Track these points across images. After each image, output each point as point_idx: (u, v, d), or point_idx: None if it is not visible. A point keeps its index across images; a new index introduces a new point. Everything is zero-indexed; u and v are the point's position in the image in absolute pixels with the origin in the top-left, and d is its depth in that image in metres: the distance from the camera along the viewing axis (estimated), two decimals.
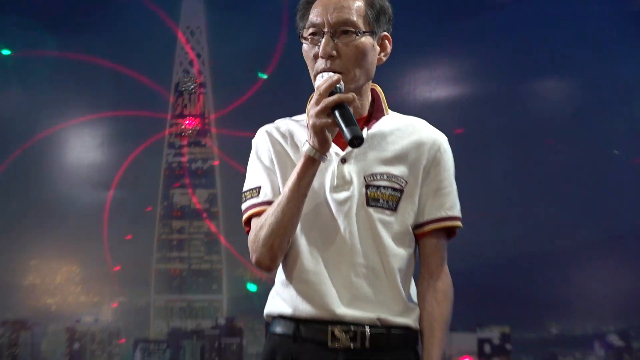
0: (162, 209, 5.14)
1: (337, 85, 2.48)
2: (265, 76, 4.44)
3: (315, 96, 2.44)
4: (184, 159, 5.36)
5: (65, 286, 5.35)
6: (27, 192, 5.54)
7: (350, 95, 2.38)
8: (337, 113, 2.42)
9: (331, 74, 2.49)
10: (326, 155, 1.86)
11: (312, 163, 1.84)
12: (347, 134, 2.31)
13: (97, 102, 5.41)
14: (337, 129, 2.43)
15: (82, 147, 5.30)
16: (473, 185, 5.59)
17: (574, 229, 5.23)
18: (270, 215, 2.62)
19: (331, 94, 2.46)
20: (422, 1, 5.18)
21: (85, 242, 5.35)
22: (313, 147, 1.84)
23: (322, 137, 2.37)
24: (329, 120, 2.44)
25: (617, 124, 5.45)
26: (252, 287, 4.71)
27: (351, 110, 2.40)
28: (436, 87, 5.25)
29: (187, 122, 5.24)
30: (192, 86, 5.21)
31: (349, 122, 2.35)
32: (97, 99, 5.36)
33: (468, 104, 5.32)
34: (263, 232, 2.60)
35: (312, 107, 2.43)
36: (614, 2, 5.65)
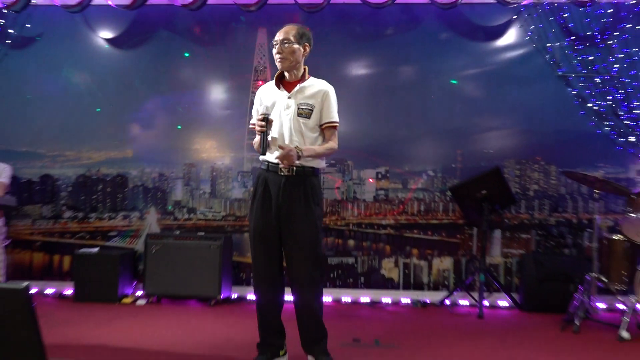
0: (248, 117, 5.25)
1: (268, 117, 3.65)
2: None
3: (256, 122, 3.64)
4: None
5: (209, 149, 6.41)
6: (189, 116, 6.54)
7: (264, 127, 3.57)
8: (262, 136, 3.63)
9: (268, 115, 3.62)
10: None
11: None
12: (261, 150, 3.63)
13: (221, 77, 6.55)
14: (269, 129, 3.64)
15: (219, 93, 6.46)
16: (364, 111, 6.55)
17: (412, 125, 6.36)
18: (254, 142, 3.86)
19: (265, 118, 3.63)
20: (349, 30, 6.34)
21: (216, 131, 6.42)
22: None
23: (258, 138, 3.68)
24: (260, 137, 3.60)
25: (435, 88, 6.47)
26: None
27: (267, 136, 3.61)
28: (353, 70, 6.48)
29: (259, 83, 6.16)
30: (261, 68, 6.28)
31: (263, 145, 3.61)
32: (221, 76, 6.51)
33: (365, 77, 6.44)
34: (255, 146, 3.87)
35: (257, 126, 3.64)
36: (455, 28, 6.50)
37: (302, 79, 3.88)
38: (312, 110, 3.80)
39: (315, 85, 3.88)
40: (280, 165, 3.66)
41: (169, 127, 6.83)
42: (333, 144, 3.88)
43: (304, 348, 3.98)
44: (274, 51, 3.81)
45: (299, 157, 3.66)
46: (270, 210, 3.79)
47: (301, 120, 3.79)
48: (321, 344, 3.93)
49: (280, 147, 3.63)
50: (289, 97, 3.82)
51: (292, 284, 3.89)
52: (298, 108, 3.79)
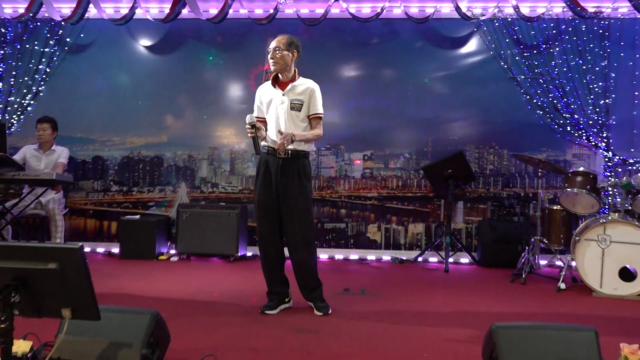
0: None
1: (255, 124, 3.53)
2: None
3: (248, 132, 3.50)
4: None
5: (229, 135, 6.32)
6: (213, 108, 6.25)
7: (253, 132, 3.47)
8: (252, 140, 3.52)
9: (253, 117, 3.58)
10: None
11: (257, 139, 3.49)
12: (255, 151, 3.53)
13: (238, 77, 6.40)
14: (262, 133, 3.58)
15: (237, 90, 6.34)
16: (353, 105, 6.41)
17: (392, 116, 6.19)
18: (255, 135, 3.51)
19: (253, 125, 3.52)
20: (341, 39, 6.18)
21: (235, 121, 6.26)
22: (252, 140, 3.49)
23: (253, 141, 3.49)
24: (252, 141, 3.47)
25: (411, 86, 6.28)
26: None
27: (259, 138, 3.53)
28: (344, 72, 6.33)
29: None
30: (271, 70, 6.66)
31: (255, 146, 3.52)
32: (239, 76, 6.39)
33: (354, 77, 6.30)
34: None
35: (248, 131, 3.49)
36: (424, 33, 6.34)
37: (293, 79, 3.83)
38: (302, 105, 3.76)
39: (304, 83, 3.83)
40: (277, 146, 3.65)
41: (196, 118, 6.75)
42: (319, 131, 3.82)
43: (304, 296, 4.01)
44: (269, 57, 3.75)
45: (292, 141, 3.65)
46: (271, 186, 3.78)
47: (293, 113, 3.76)
48: (317, 292, 3.95)
49: (280, 132, 3.64)
50: (283, 95, 3.77)
51: (289, 244, 3.89)
52: (291, 103, 3.75)
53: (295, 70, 3.85)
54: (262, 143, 3.77)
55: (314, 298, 3.88)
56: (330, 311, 3.84)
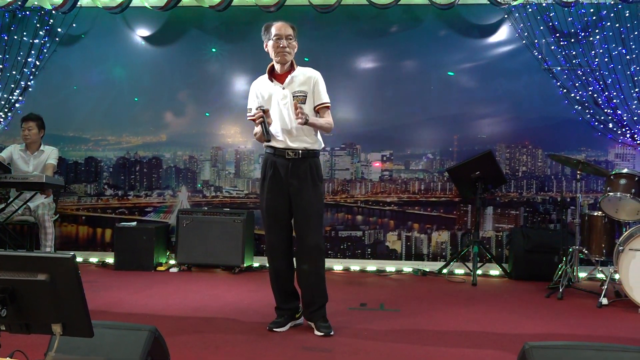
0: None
1: (265, 108, 3.64)
2: (307, 59, 5.01)
3: (256, 117, 3.60)
4: None
5: (234, 134, 6.35)
6: (216, 104, 6.34)
7: (263, 119, 3.55)
8: (262, 126, 3.61)
9: (263, 107, 3.62)
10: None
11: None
12: (265, 137, 3.61)
13: (244, 70, 6.42)
14: (270, 120, 3.65)
15: (242, 84, 6.32)
16: (371, 100, 6.47)
17: (413, 112, 6.27)
18: (255, 132, 3.75)
19: (262, 109, 3.61)
20: (358, 28, 6.23)
21: (240, 118, 6.18)
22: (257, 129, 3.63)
23: (260, 128, 3.61)
24: (261, 127, 3.55)
25: (434, 79, 6.35)
26: None
27: (267, 124, 3.60)
28: (361, 64, 6.39)
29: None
30: None
31: (266, 133, 3.60)
32: (244, 69, 6.39)
33: (371, 70, 6.38)
34: (257, 136, 3.77)
35: (255, 118, 3.63)
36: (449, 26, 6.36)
37: (291, 69, 3.82)
38: (305, 96, 3.77)
39: (304, 73, 3.83)
40: (298, 111, 3.60)
41: (198, 115, 6.81)
42: (330, 119, 3.85)
43: (305, 316, 3.96)
44: (280, 44, 3.70)
45: (306, 122, 3.61)
46: (282, 189, 3.78)
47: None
48: (321, 311, 3.89)
49: (295, 106, 3.63)
50: (284, 88, 3.77)
51: (301, 254, 3.88)
52: (293, 96, 3.74)
53: (294, 60, 3.85)
54: (265, 144, 3.82)
55: (317, 317, 3.82)
56: (332, 332, 3.76)
